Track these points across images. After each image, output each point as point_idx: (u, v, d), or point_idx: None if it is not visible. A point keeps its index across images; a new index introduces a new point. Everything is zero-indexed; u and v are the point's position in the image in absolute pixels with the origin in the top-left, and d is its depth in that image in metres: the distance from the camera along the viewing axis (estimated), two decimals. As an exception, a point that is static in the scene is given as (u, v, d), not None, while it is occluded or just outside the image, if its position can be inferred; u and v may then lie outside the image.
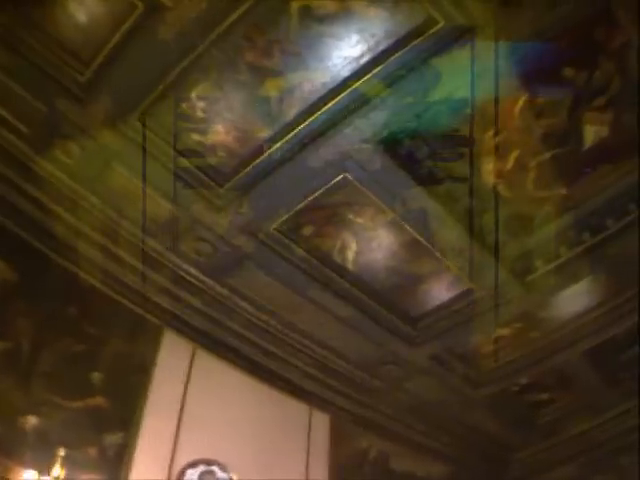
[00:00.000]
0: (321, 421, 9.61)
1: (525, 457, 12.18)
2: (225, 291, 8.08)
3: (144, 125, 6.42)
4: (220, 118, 6.52)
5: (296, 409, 9.33)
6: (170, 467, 7.48)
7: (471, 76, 6.18)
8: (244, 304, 8.22)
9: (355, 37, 6.01)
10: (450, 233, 7.77)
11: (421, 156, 7.06)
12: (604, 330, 9.91)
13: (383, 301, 8.56)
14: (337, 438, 9.70)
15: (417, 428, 11.04)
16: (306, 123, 6.47)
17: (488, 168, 7.45)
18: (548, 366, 10.57)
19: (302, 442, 9.22)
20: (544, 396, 11.48)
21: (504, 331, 9.63)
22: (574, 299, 9.42)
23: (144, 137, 6.48)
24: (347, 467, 9.77)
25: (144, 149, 6.54)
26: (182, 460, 7.64)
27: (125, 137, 6.51)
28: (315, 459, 9.24)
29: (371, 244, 7.86)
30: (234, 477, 7.81)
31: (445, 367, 9.89)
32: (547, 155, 7.48)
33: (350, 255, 7.92)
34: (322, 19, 5.88)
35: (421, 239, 7.79)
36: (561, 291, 9.13)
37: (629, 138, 7.16)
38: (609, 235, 8.23)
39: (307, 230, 7.57)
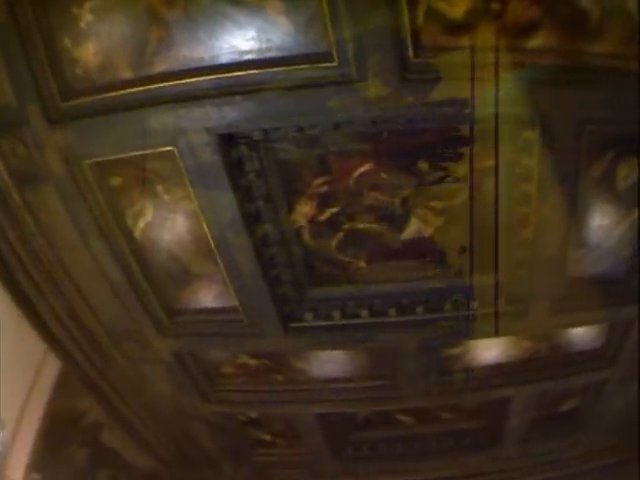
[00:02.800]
0: (52, 367, 9.24)
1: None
2: (19, 199, 7.70)
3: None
4: (97, 38, 6.25)
5: (34, 345, 8.93)
6: None
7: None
8: (29, 220, 7.84)
9: (252, 33, 6.07)
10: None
11: (248, 168, 7.24)
12: (340, 403, 10.31)
13: (152, 281, 8.42)
14: (61, 389, 9.38)
15: (138, 413, 10.99)
16: (165, 84, 6.36)
17: (303, 210, 7.75)
18: (280, 412, 10.84)
19: (27, 381, 8.82)
20: (267, 437, 11.72)
21: (252, 362, 9.81)
22: (336, 363, 9.84)
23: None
24: (58, 422, 9.44)
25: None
26: None
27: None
28: (33, 404, 8.87)
29: (165, 223, 7.78)
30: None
31: (184, 368, 9.91)
32: (362, 225, 7.95)
33: (141, 223, 7.77)
34: (235, 2, 5.92)
35: (211, 242, 7.82)
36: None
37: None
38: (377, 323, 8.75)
39: (115, 181, 7.37)
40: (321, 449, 11.86)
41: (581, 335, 10.53)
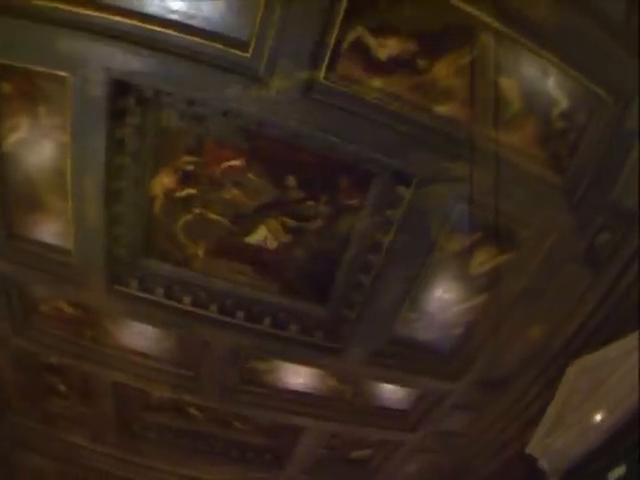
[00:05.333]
0: None
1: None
2: None
3: None
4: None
5: None
6: None
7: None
8: None
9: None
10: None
11: (129, 121, 7.07)
12: (139, 378, 10.25)
13: (1, 196, 8.02)
14: None
15: None
16: (86, 12, 6.12)
17: (164, 180, 7.60)
18: (80, 367, 10.59)
19: None
20: (61, 388, 11.42)
21: (69, 309, 9.66)
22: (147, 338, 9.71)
23: None
24: None
25: None
26: None
27: None
28: None
29: (35, 146, 7.46)
30: None
31: (5, 294, 9.46)
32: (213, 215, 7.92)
33: (12, 138, 7.39)
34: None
35: (69, 180, 7.61)
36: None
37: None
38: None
39: (4, 87, 6.96)
40: (109, 417, 11.66)
41: (390, 392, 10.69)
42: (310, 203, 7.77)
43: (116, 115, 6.89)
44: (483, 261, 8.57)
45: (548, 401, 9.60)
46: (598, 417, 8.87)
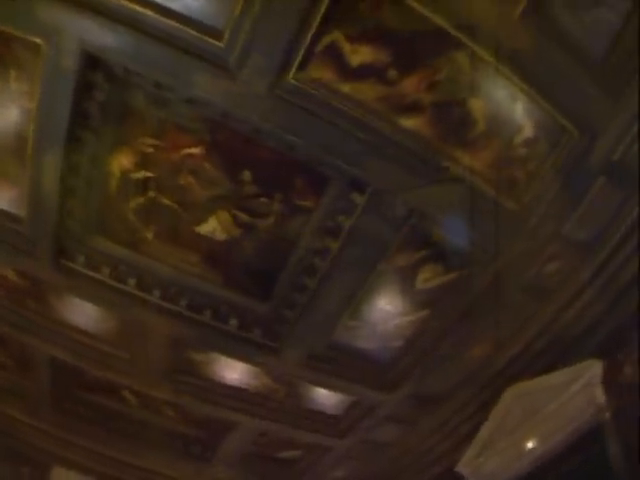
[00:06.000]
0: None
1: None
2: None
3: None
4: None
5: None
6: None
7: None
8: None
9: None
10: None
11: (96, 96, 7.08)
12: (76, 355, 10.11)
13: None
14: None
15: None
16: None
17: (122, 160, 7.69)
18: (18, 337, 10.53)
19: None
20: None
21: (15, 278, 9.52)
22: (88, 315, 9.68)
23: None
24: None
25: None
26: None
27: None
28: None
29: (4, 104, 7.34)
30: None
31: None
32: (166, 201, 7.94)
33: None
34: None
35: (29, 147, 7.57)
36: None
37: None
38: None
39: None
40: (44, 390, 11.56)
41: (324, 397, 10.76)
42: (263, 200, 7.83)
43: (84, 88, 6.89)
44: (429, 277, 8.68)
45: (482, 422, 9.71)
46: (530, 444, 8.95)
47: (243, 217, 8.02)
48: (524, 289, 8.83)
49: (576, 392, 8.39)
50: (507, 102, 6.97)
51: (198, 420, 11.60)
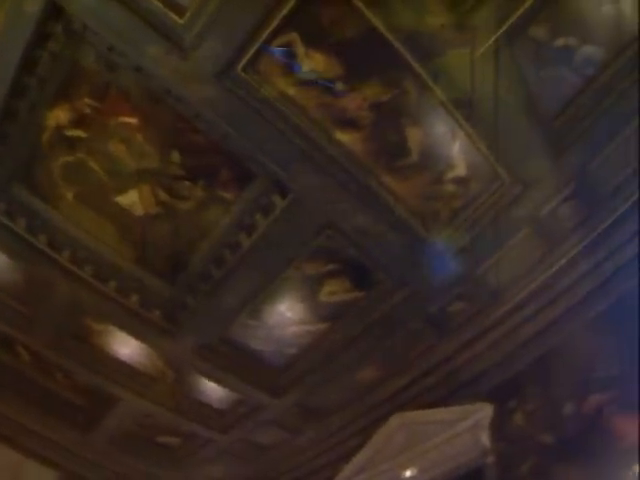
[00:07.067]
0: None
1: None
2: None
3: None
4: None
5: None
6: None
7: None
8: None
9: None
10: None
11: (50, 46, 7.07)
12: None
13: None
14: None
15: None
16: None
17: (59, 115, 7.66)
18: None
19: None
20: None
21: None
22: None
23: None
24: None
25: None
26: None
27: None
28: None
29: None
30: None
31: None
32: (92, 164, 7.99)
33: None
34: None
35: None
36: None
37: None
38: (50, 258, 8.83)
39: None
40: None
41: (211, 389, 10.91)
42: (187, 183, 7.92)
43: (40, 36, 6.84)
44: (334, 291, 8.87)
45: (363, 444, 9.93)
46: (409, 473, 9.14)
47: (163, 196, 8.09)
48: (427, 320, 9.08)
49: (462, 431, 8.62)
50: (446, 138, 7.21)
51: (85, 390, 11.51)
